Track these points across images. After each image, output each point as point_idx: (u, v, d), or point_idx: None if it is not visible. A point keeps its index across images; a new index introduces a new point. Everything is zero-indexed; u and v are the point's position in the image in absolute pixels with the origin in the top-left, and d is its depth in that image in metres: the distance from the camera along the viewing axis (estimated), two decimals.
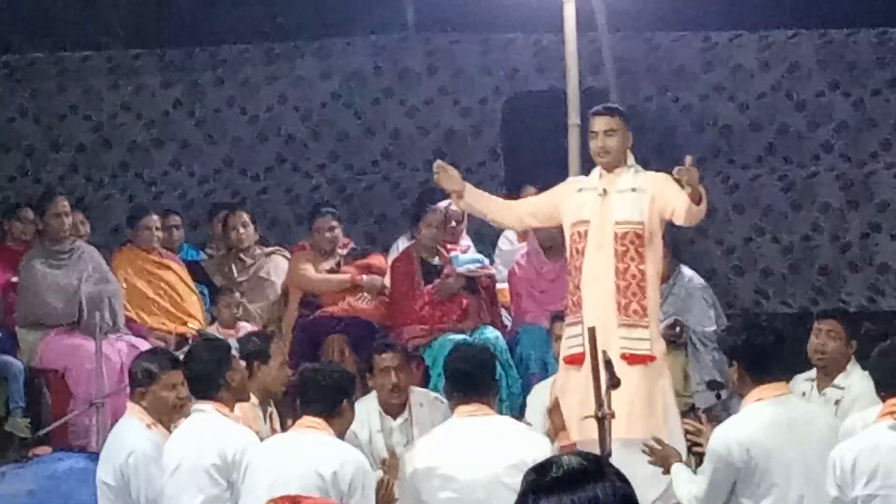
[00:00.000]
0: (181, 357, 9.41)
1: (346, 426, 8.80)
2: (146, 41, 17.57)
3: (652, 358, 9.72)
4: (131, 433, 8.99)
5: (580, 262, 9.98)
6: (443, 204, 13.07)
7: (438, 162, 10.46)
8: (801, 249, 16.59)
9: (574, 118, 11.87)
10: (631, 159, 10.22)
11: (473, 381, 8.29)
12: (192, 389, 9.02)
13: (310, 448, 8.15)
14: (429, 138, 16.16)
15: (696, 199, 9.47)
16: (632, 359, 9.57)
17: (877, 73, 16.34)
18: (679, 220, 9.98)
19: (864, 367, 9.45)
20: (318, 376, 8.63)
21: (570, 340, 9.86)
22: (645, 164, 10.79)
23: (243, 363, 9.22)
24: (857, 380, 9.60)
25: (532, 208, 10.52)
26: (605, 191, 9.97)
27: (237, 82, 17.27)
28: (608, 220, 9.89)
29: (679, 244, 14.23)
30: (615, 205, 9.91)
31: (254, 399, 9.32)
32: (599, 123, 10.19)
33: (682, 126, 16.47)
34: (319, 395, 8.41)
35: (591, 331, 9.66)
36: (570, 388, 9.66)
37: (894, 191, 16.37)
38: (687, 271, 13.42)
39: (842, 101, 16.49)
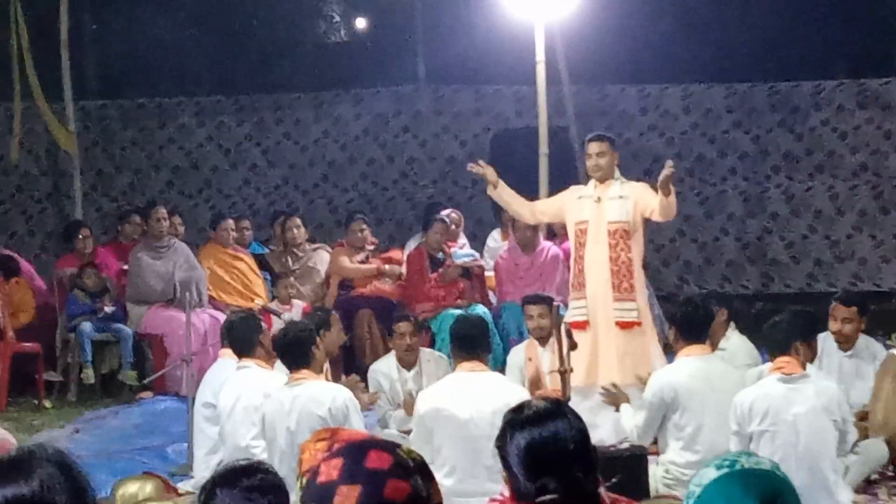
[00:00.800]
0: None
1: (322, 362, 8.86)
2: (224, 89, 17.56)
3: (639, 323, 9.99)
4: (226, 368, 9.14)
5: (582, 253, 10.26)
6: (444, 213, 13.18)
7: (480, 161, 10.79)
8: (713, 247, 16.57)
9: (543, 148, 11.93)
10: (617, 172, 10.43)
11: (474, 343, 8.46)
12: (235, 350, 9.17)
13: (309, 393, 8.17)
14: (435, 163, 16.17)
15: (666, 194, 9.80)
16: (623, 325, 9.92)
17: (769, 116, 16.30)
18: (656, 217, 10.22)
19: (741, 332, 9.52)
20: (285, 338, 8.66)
21: (575, 311, 10.15)
22: None
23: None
24: (734, 341, 9.66)
25: (543, 206, 10.80)
26: (599, 198, 10.23)
27: (292, 121, 17.22)
28: (603, 221, 10.14)
29: None
30: (607, 209, 10.17)
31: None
32: (593, 147, 10.38)
33: (624, 156, 16.42)
34: (294, 351, 8.50)
35: (556, 309, 9.91)
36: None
37: (782, 205, 16.38)
38: None
39: (743, 137, 16.44)
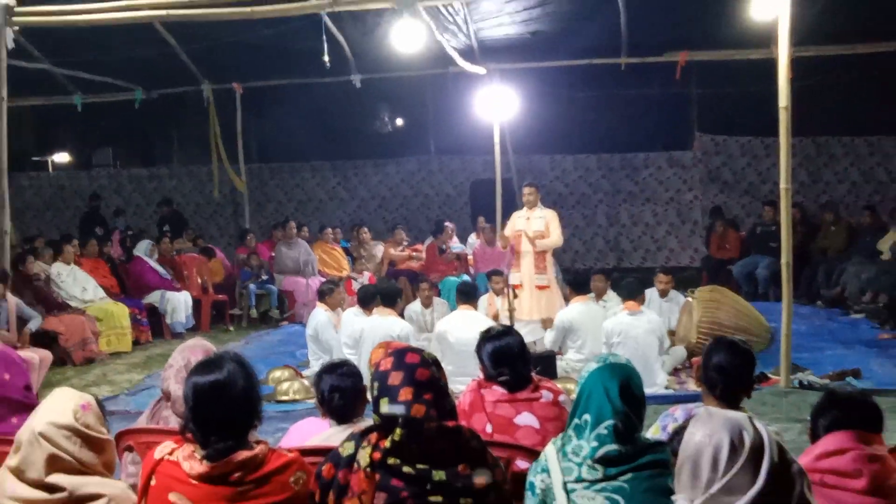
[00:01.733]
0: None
1: (401, 307, 9.15)
2: (325, 156, 17.43)
3: (548, 287, 10.01)
4: (319, 313, 9.07)
5: (519, 247, 10.25)
6: (446, 224, 13.16)
7: (500, 234, 10.84)
8: (590, 242, 16.43)
9: (498, 189, 11.75)
10: (539, 203, 10.36)
11: (468, 295, 8.53)
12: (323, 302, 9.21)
13: (389, 322, 8.23)
14: (439, 198, 16.04)
15: (531, 244, 10.12)
16: (540, 288, 9.96)
17: (620, 172, 16.10)
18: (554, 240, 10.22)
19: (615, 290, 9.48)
20: (383, 290, 8.77)
21: (514, 278, 10.21)
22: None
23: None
24: (610, 295, 9.48)
25: (510, 227, 10.41)
26: (528, 217, 10.24)
27: (362, 174, 17.06)
28: (530, 229, 10.13)
29: None
30: (532, 223, 10.15)
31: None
32: (526, 190, 10.44)
33: (543, 193, 16.36)
34: (386, 298, 8.52)
35: (506, 277, 9.94)
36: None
37: (628, 220, 16.33)
38: None
39: (605, 183, 16.18)
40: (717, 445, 2.36)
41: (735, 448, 2.34)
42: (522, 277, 10.10)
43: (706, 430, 2.40)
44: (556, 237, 10.14)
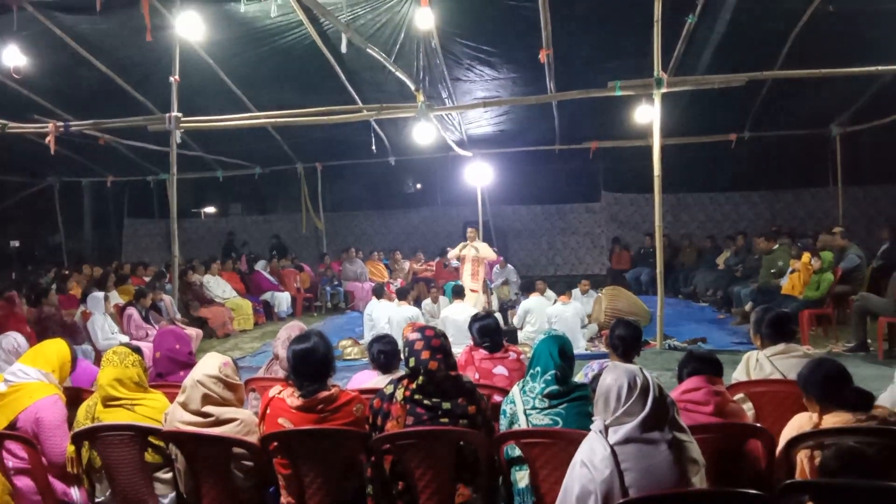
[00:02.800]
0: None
1: (413, 298, 8.87)
2: (375, 206, 17.45)
3: (477, 290, 9.47)
4: (373, 303, 8.90)
5: (463, 264, 9.76)
6: (449, 250, 13.03)
7: (452, 252, 10.20)
8: (535, 256, 16.41)
9: (480, 228, 11.68)
10: (478, 237, 9.95)
11: (459, 293, 8.26)
12: (376, 296, 8.97)
13: (406, 309, 8.15)
14: (443, 232, 15.85)
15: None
16: (473, 290, 9.32)
17: (556, 217, 16.19)
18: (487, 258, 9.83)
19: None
20: (401, 289, 8.68)
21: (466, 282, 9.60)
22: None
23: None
24: (549, 293, 9.32)
25: (458, 250, 9.95)
26: (469, 246, 9.72)
27: (396, 218, 17.04)
28: (472, 254, 9.65)
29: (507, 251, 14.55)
30: (471, 250, 9.66)
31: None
32: (469, 229, 9.97)
33: (508, 229, 16.24)
34: (403, 293, 8.52)
35: (486, 283, 9.75)
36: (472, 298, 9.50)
37: (561, 245, 16.28)
38: (510, 266, 12.95)
39: (547, 224, 16.20)
40: (620, 385, 2.36)
41: (631, 387, 2.34)
42: (464, 283, 9.47)
43: (614, 375, 2.40)
44: (489, 254, 9.78)
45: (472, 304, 9.12)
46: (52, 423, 3.38)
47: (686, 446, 2.32)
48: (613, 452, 2.28)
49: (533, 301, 8.56)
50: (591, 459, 2.31)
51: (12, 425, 3.36)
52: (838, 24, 8.61)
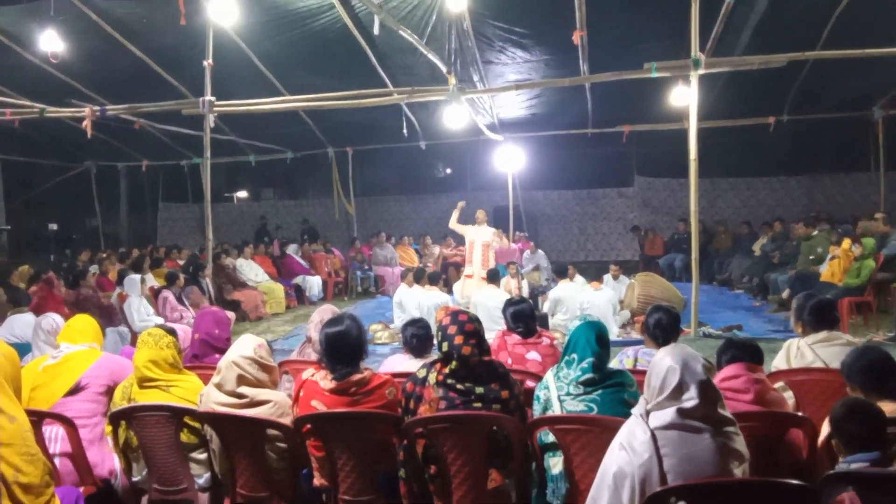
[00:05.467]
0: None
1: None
2: (403, 191, 17.49)
3: (484, 279, 8.93)
4: (401, 288, 8.86)
5: (472, 251, 9.54)
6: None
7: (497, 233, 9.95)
8: (568, 240, 16.34)
9: (511, 213, 11.62)
10: (487, 221, 9.76)
11: (493, 277, 8.20)
12: (406, 282, 8.89)
13: (435, 295, 8.13)
14: (473, 218, 15.81)
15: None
16: (483, 279, 8.95)
17: (589, 201, 16.15)
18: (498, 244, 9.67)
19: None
20: (432, 274, 8.54)
21: (468, 270, 9.56)
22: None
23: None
24: (579, 279, 9.14)
25: (468, 233, 9.71)
26: (479, 230, 9.55)
27: (426, 204, 17.07)
28: (480, 239, 9.49)
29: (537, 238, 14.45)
30: (483, 234, 9.52)
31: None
32: (479, 212, 9.78)
33: (538, 214, 16.15)
34: (434, 279, 8.42)
35: (517, 266, 9.72)
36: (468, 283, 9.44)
37: (591, 230, 16.17)
38: (540, 251, 12.85)
39: (577, 209, 16.26)
40: (672, 368, 2.30)
41: (683, 372, 2.29)
42: (474, 270, 9.43)
43: (670, 357, 2.34)
44: (503, 242, 9.65)
45: (479, 291, 8.96)
46: (125, 363, 3.54)
47: (731, 437, 2.25)
48: (654, 437, 2.23)
49: (563, 289, 8.44)
50: (630, 443, 2.27)
51: (75, 388, 3.42)
52: (882, 2, 8.33)
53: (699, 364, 2.31)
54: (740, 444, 2.27)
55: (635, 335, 7.75)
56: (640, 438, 2.25)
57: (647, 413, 2.31)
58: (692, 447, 2.21)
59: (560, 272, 8.98)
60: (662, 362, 2.33)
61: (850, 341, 3.58)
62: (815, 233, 9.62)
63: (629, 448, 2.26)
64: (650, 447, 2.22)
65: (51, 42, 8.38)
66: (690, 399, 2.24)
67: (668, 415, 2.25)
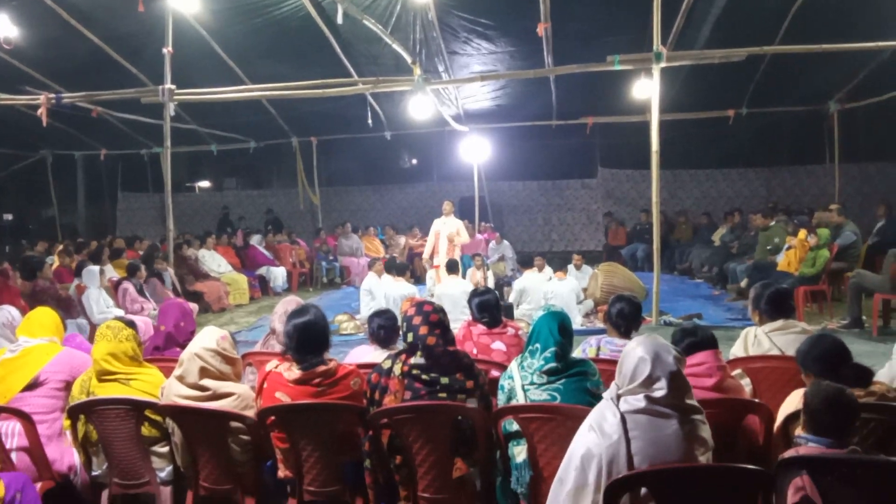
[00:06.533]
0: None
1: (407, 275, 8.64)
2: (369, 181, 17.41)
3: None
4: (370, 277, 8.85)
5: (438, 243, 9.50)
6: None
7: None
8: (532, 232, 16.41)
9: (476, 204, 11.62)
10: (453, 213, 9.71)
11: (453, 268, 8.16)
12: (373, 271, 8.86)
13: (401, 286, 8.12)
14: (439, 208, 15.63)
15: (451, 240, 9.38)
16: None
17: (553, 192, 16.23)
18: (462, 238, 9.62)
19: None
20: (398, 265, 8.49)
21: (436, 261, 9.47)
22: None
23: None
24: (548, 269, 9.26)
25: (433, 228, 9.73)
26: (444, 223, 9.53)
27: (392, 194, 16.97)
28: (445, 232, 9.45)
29: (501, 228, 14.42)
30: (448, 225, 9.49)
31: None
32: (445, 202, 9.75)
33: (504, 205, 16.21)
34: (400, 270, 8.35)
35: (482, 258, 9.71)
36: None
37: (557, 223, 16.26)
38: (506, 242, 12.91)
39: (542, 200, 16.30)
40: (643, 357, 2.35)
41: (654, 361, 2.34)
42: (440, 261, 9.33)
43: (642, 346, 2.38)
44: (464, 237, 9.59)
45: (441, 282, 8.80)
46: (86, 358, 3.47)
47: (698, 425, 2.31)
48: (623, 419, 2.28)
49: (528, 279, 8.47)
50: (600, 424, 2.31)
51: (34, 383, 3.37)
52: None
53: (670, 356, 2.34)
54: (706, 431, 2.33)
55: (598, 324, 7.84)
56: (609, 421, 2.30)
57: (618, 397, 2.35)
58: (659, 432, 2.26)
59: (525, 262, 9.01)
60: (634, 352, 2.37)
61: (806, 329, 3.67)
62: (773, 223, 9.82)
63: (598, 430, 2.30)
64: (619, 429, 2.27)
65: (4, 27, 8.09)
66: (660, 389, 2.29)
67: (637, 400, 2.30)
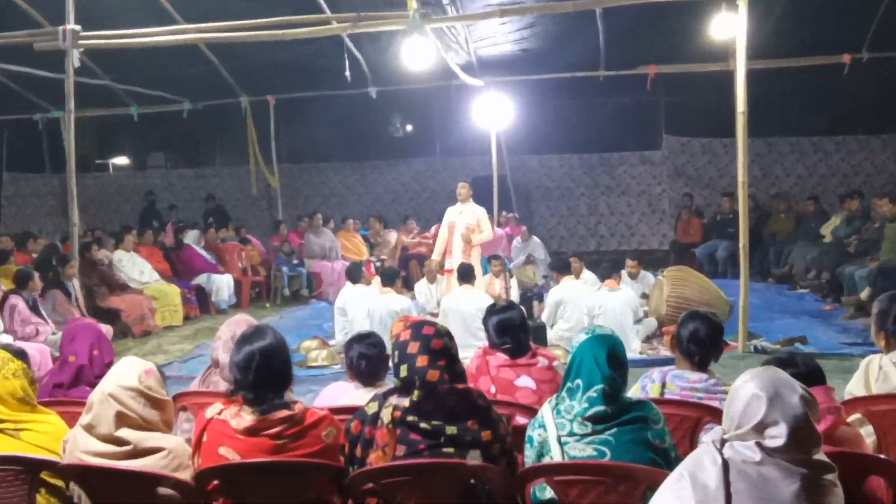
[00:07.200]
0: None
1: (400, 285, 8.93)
2: (347, 157, 17.43)
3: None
4: (346, 288, 8.91)
5: (453, 237, 9.67)
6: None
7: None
8: (573, 229, 16.43)
9: (495, 186, 11.66)
10: (471, 198, 9.87)
11: (467, 274, 8.23)
12: (351, 280, 8.92)
13: (390, 299, 8.15)
14: (444, 192, 15.62)
15: (466, 241, 9.59)
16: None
17: (599, 168, 16.26)
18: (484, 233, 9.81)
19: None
20: (387, 272, 8.69)
21: (447, 263, 9.67)
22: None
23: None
24: (587, 275, 9.47)
25: (445, 219, 10.02)
26: (461, 211, 9.72)
27: (378, 173, 17.01)
28: (462, 222, 9.62)
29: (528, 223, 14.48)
30: (466, 216, 9.66)
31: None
32: (460, 184, 9.93)
33: (532, 187, 16.21)
34: (389, 278, 8.48)
35: (503, 261, 9.78)
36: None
37: (606, 209, 16.30)
38: (535, 238, 12.95)
39: (587, 178, 16.37)
40: (758, 396, 2.32)
41: (772, 400, 2.31)
42: (453, 263, 9.49)
43: (754, 382, 2.36)
44: (487, 233, 9.81)
45: (450, 294, 8.95)
46: None
47: (829, 489, 2.27)
48: (725, 467, 2.26)
49: (565, 289, 8.46)
50: (693, 473, 2.30)
51: None
52: None
53: (795, 395, 2.33)
54: (838, 498, 2.31)
55: (664, 352, 7.84)
56: (707, 469, 2.28)
57: (723, 442, 2.35)
58: (772, 491, 2.24)
59: (561, 267, 9.00)
60: (745, 387, 2.35)
61: None
62: None
63: (691, 478, 2.29)
64: (719, 480, 2.25)
65: None
66: (777, 437, 2.27)
67: (747, 448, 2.28)
